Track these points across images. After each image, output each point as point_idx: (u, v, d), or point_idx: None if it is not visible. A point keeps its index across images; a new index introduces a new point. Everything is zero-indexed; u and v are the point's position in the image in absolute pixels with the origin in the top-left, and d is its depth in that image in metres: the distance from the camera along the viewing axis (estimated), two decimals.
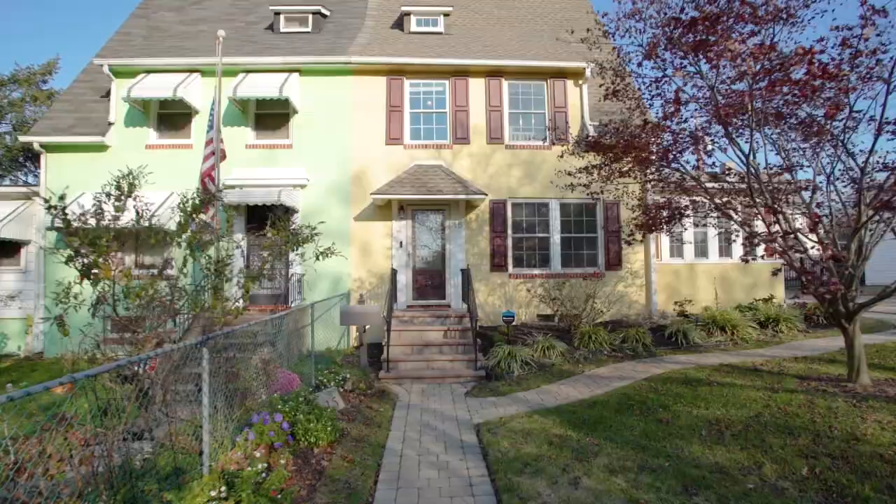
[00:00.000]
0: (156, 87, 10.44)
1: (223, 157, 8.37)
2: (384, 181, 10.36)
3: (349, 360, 8.49)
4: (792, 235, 5.75)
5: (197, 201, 6.80)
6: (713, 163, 7.14)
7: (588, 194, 8.93)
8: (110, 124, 10.81)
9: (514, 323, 8.89)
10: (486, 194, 10.13)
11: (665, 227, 7.86)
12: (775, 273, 8.11)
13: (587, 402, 5.72)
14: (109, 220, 5.81)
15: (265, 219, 11.02)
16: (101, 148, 10.71)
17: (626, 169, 7.97)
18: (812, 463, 3.87)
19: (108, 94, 11.20)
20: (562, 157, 9.42)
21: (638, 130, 7.02)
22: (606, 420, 5.08)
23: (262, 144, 10.87)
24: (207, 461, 3.67)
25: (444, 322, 8.99)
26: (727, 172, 7.92)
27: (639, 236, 8.60)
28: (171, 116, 11.14)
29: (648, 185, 9.25)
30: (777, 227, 5.61)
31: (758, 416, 4.81)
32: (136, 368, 5.05)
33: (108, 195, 5.84)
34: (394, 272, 9.75)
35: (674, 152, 6.68)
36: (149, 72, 10.90)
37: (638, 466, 3.98)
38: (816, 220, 5.41)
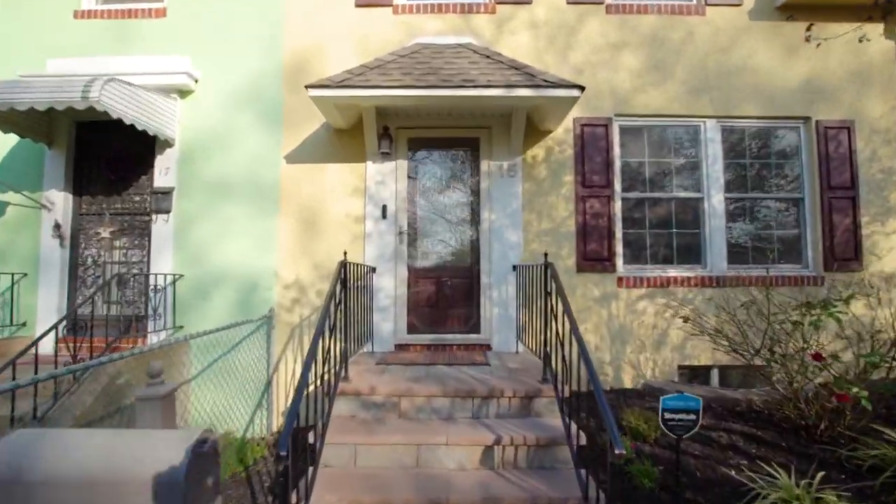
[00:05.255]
0: None
1: None
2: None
3: (244, 485, 3.00)
4: None
5: None
6: None
7: None
8: None
9: (638, 387, 3.17)
10: (579, 88, 4.34)
11: None
12: None
13: None
14: None
15: (122, 163, 5.45)
16: None
17: None
18: None
19: None
20: None
21: None
22: None
23: (109, 11, 5.34)
24: None
25: (482, 408, 3.31)
26: None
27: None
28: None
29: None
30: None
31: None
32: None
33: None
34: (365, 273, 4.19)
35: None
36: None
37: None
38: None
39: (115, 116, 4.10)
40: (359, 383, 3.35)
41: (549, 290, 3.36)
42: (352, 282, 3.95)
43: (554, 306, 3.28)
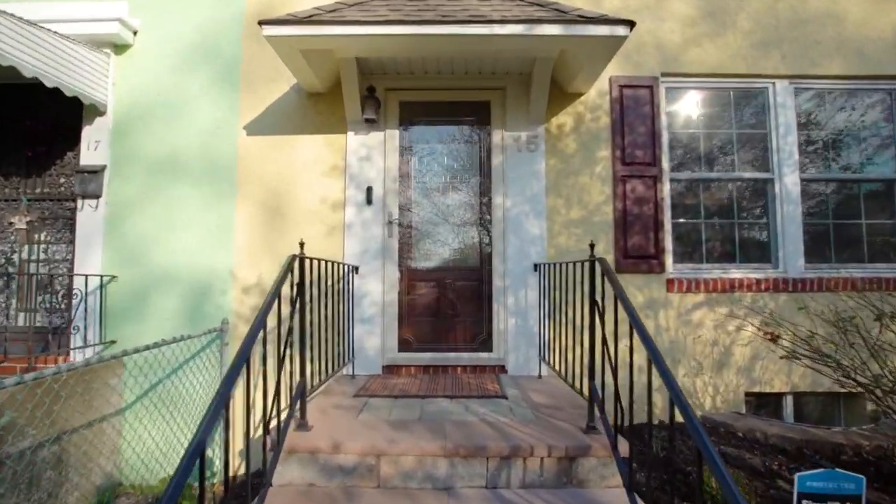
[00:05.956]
0: None
1: None
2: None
3: None
4: None
5: None
6: None
7: None
8: None
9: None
10: (627, 24, 3.25)
11: None
12: None
13: None
14: None
15: (44, 136, 4.07)
16: None
17: None
18: None
19: None
20: None
21: None
22: None
23: None
24: None
25: (501, 473, 2.24)
26: None
27: None
28: None
29: None
30: None
31: None
32: None
33: None
34: (344, 274, 3.16)
35: None
36: None
37: None
38: None
39: (3, 63, 3.06)
40: (320, 434, 2.29)
41: (598, 295, 2.31)
42: (329, 283, 2.92)
43: (606, 323, 2.22)
